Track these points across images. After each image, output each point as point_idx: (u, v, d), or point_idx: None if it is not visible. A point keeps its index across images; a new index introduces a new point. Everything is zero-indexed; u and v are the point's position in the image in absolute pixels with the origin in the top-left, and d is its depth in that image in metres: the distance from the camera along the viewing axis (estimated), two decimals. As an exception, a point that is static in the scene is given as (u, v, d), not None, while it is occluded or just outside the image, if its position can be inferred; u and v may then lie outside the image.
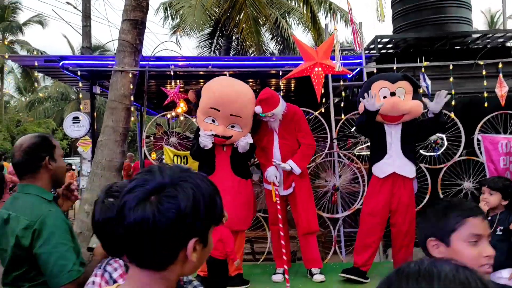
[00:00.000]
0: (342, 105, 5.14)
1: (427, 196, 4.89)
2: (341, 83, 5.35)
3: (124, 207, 0.91)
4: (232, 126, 4.08)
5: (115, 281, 1.56)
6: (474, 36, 6.66)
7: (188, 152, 5.63)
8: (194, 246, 0.93)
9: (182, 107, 6.63)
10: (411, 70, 5.51)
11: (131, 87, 5.14)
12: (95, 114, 7.11)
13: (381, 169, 4.15)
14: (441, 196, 4.91)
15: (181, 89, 5.46)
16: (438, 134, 4.94)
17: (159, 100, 8.78)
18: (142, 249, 0.91)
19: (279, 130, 4.29)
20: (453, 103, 4.89)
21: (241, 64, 5.77)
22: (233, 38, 15.16)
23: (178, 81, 5.92)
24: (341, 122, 5.23)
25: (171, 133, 5.84)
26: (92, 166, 5.28)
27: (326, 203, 5.15)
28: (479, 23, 26.54)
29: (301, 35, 33.26)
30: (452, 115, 4.91)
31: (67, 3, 12.49)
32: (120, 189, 1.59)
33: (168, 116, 8.66)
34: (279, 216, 4.18)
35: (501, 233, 3.25)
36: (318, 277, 4.18)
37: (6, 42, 24.71)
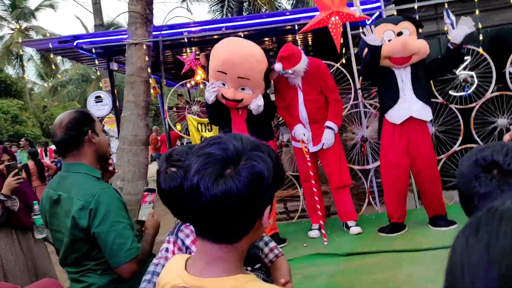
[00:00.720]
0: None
1: (460, 138, 4.74)
2: (360, 30, 5.12)
3: (198, 187, 0.88)
4: (243, 89, 3.93)
5: (187, 248, 1.56)
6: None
7: (211, 118, 5.62)
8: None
9: (200, 74, 6.56)
10: (433, 8, 5.24)
11: (147, 59, 5.09)
12: (115, 91, 7.12)
13: (397, 115, 3.98)
14: (475, 136, 4.74)
15: (197, 56, 5.37)
16: (467, 72, 4.73)
17: (177, 70, 8.73)
18: (219, 224, 0.90)
19: (302, 86, 4.17)
20: (480, 37, 4.63)
21: (255, 23, 5.59)
22: (244, -2, 14.78)
23: (193, 48, 5.84)
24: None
25: (193, 101, 5.81)
26: (119, 142, 5.34)
27: (355, 155, 5.06)
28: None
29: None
30: (480, 50, 4.67)
31: (74, -18, 12.31)
32: (180, 157, 1.56)
33: (188, 85, 8.64)
34: (311, 172, 4.14)
35: None
36: (355, 229, 4.16)
37: (18, 28, 24.89)
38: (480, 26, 4.56)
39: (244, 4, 14.49)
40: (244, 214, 0.90)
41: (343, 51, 4.83)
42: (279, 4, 14.36)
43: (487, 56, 4.65)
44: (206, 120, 5.36)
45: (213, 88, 3.91)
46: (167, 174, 1.55)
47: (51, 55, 7.50)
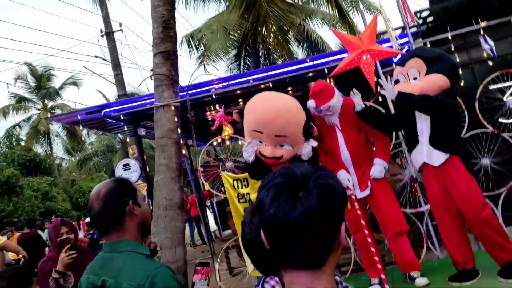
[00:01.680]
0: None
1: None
2: (394, 66, 4.94)
3: (276, 216, 0.90)
4: (281, 145, 3.59)
5: None
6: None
7: (247, 173, 5.38)
8: None
9: (227, 130, 6.42)
10: (467, 36, 5.04)
11: (176, 120, 4.98)
12: (144, 156, 7.02)
13: (415, 160, 3.77)
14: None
15: (226, 111, 5.24)
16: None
17: (201, 131, 8.65)
18: (303, 247, 0.91)
19: (341, 125, 3.93)
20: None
21: (279, 73, 5.48)
22: (260, 53, 15.01)
23: (218, 105, 5.72)
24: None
25: (226, 159, 5.62)
26: (154, 208, 5.13)
27: (405, 198, 4.70)
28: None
29: (327, 34, 32.70)
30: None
31: (96, 56, 12.77)
32: None
33: (214, 143, 8.54)
34: (362, 221, 3.79)
35: None
36: (421, 281, 3.74)
37: (44, 106, 25.79)
38: (521, 48, 4.32)
39: (260, 59, 14.68)
40: (324, 232, 0.91)
41: (378, 90, 4.62)
42: (295, 57, 14.50)
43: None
44: (241, 175, 5.13)
45: (251, 148, 3.63)
46: (252, 224, 1.55)
47: (80, 127, 7.49)
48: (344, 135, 3.93)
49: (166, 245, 4.89)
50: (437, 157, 3.59)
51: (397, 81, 3.83)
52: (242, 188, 5.10)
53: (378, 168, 3.90)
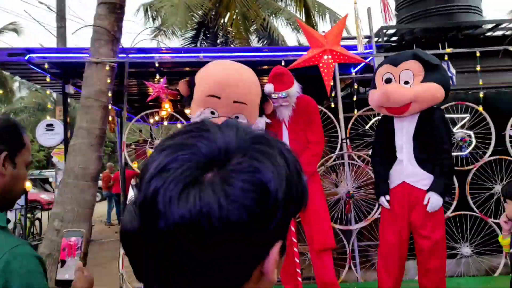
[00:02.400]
0: (354, 99, 4.49)
1: (454, 202, 4.25)
2: (353, 74, 4.71)
3: (154, 202, 0.49)
4: (236, 118, 3.18)
5: None
6: (486, 26, 6.12)
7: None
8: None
9: (167, 108, 5.86)
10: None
11: (109, 81, 4.40)
12: (67, 118, 6.30)
13: (392, 176, 3.39)
14: (470, 202, 4.27)
15: (166, 85, 4.73)
16: (465, 131, 4.32)
17: (141, 104, 8.05)
18: (188, 272, 0.50)
19: (289, 123, 3.58)
20: (481, 95, 4.28)
21: (236, 56, 5.05)
22: (218, 40, 14.51)
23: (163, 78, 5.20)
24: (353, 119, 4.58)
25: (157, 137, 5.12)
26: (64, 174, 4.52)
27: (338, 213, 4.46)
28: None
29: (289, 36, 32.69)
30: (480, 108, 4.30)
31: (40, 2, 11.66)
32: None
33: (151, 120, 7.93)
34: (292, 228, 3.47)
35: None
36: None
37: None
38: (481, 82, 4.22)
39: (218, 46, 14.18)
40: (232, 255, 0.50)
41: (333, 94, 4.35)
42: (254, 46, 14.16)
43: (487, 116, 4.29)
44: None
45: (204, 117, 3.18)
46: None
47: (8, 74, 6.60)
48: (290, 133, 3.58)
49: (69, 218, 4.30)
50: (424, 180, 3.24)
51: (389, 80, 3.37)
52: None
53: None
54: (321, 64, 4.07)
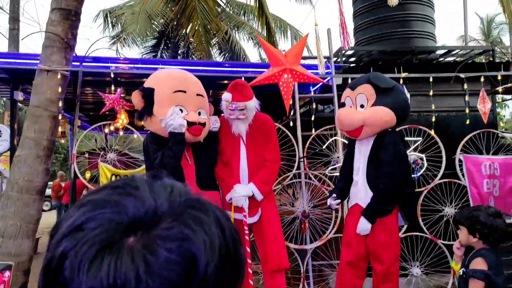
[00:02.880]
0: (312, 118, 4.51)
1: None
2: (312, 93, 4.74)
3: (63, 263, 0.43)
4: (199, 114, 3.38)
5: None
6: (439, 52, 6.37)
7: (130, 171, 4.76)
8: None
9: (123, 119, 5.69)
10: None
11: (60, 90, 4.20)
12: (15, 125, 5.98)
13: (349, 198, 3.54)
14: (421, 223, 4.36)
15: (123, 96, 4.58)
16: (417, 154, 4.43)
17: (96, 113, 7.77)
18: None
19: (246, 139, 3.54)
20: (433, 119, 4.41)
21: (196, 69, 4.97)
22: (179, 51, 14.37)
23: (118, 89, 5.05)
24: (311, 138, 4.59)
25: (109, 149, 4.93)
26: (6, 187, 4.25)
27: (293, 232, 4.43)
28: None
29: (252, 50, 32.92)
30: (432, 132, 4.43)
31: (-8, 2, 11.12)
32: None
33: (106, 130, 7.67)
34: (247, 249, 3.41)
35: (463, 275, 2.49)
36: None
37: None
38: (433, 107, 4.35)
39: (179, 57, 14.03)
40: None
41: (291, 113, 4.35)
42: (216, 59, 14.12)
43: (438, 139, 4.42)
44: (123, 171, 4.50)
45: (177, 114, 3.20)
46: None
47: None
48: (247, 150, 3.54)
49: (10, 234, 4.04)
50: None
51: (342, 104, 3.50)
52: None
53: (244, 192, 3.45)
54: (281, 83, 4.07)
